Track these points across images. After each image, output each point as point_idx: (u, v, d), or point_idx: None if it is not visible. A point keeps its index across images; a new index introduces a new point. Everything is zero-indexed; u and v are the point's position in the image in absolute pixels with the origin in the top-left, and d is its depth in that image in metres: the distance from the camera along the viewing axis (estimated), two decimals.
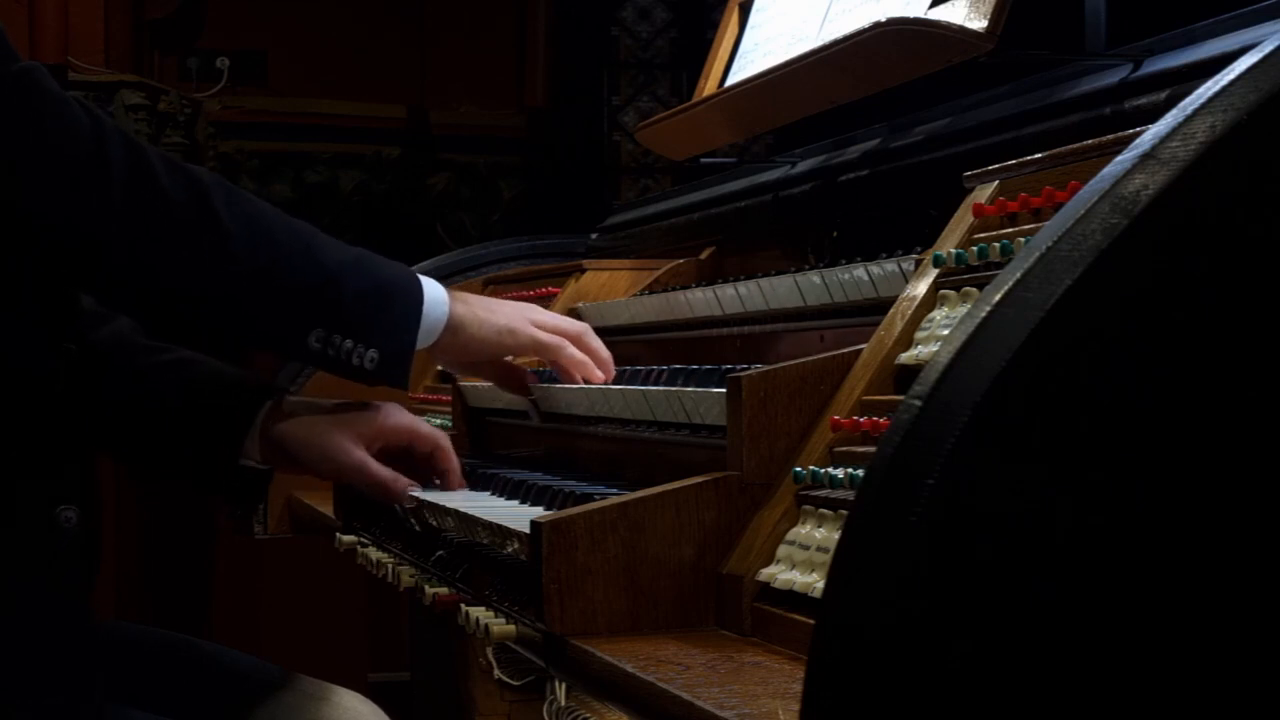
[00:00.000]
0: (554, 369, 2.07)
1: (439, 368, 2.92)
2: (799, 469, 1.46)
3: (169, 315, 1.83)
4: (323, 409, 1.95)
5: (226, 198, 1.75)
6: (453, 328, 1.92)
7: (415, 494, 1.93)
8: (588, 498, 1.63)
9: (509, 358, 2.09)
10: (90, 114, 1.69)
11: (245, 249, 1.74)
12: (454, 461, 2.02)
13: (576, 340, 2.06)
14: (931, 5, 2.03)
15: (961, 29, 1.92)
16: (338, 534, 2.37)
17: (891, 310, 1.57)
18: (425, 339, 1.89)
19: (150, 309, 1.83)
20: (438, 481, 2.01)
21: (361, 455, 1.92)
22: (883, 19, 2.07)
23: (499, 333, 1.98)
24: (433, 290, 1.90)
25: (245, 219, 1.76)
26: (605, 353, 2.09)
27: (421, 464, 2.04)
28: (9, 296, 1.72)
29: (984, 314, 0.88)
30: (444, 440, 2.01)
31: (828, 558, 1.35)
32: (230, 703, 1.96)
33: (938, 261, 1.55)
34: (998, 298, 0.88)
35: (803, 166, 2.61)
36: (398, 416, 1.97)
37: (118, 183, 1.67)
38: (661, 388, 1.87)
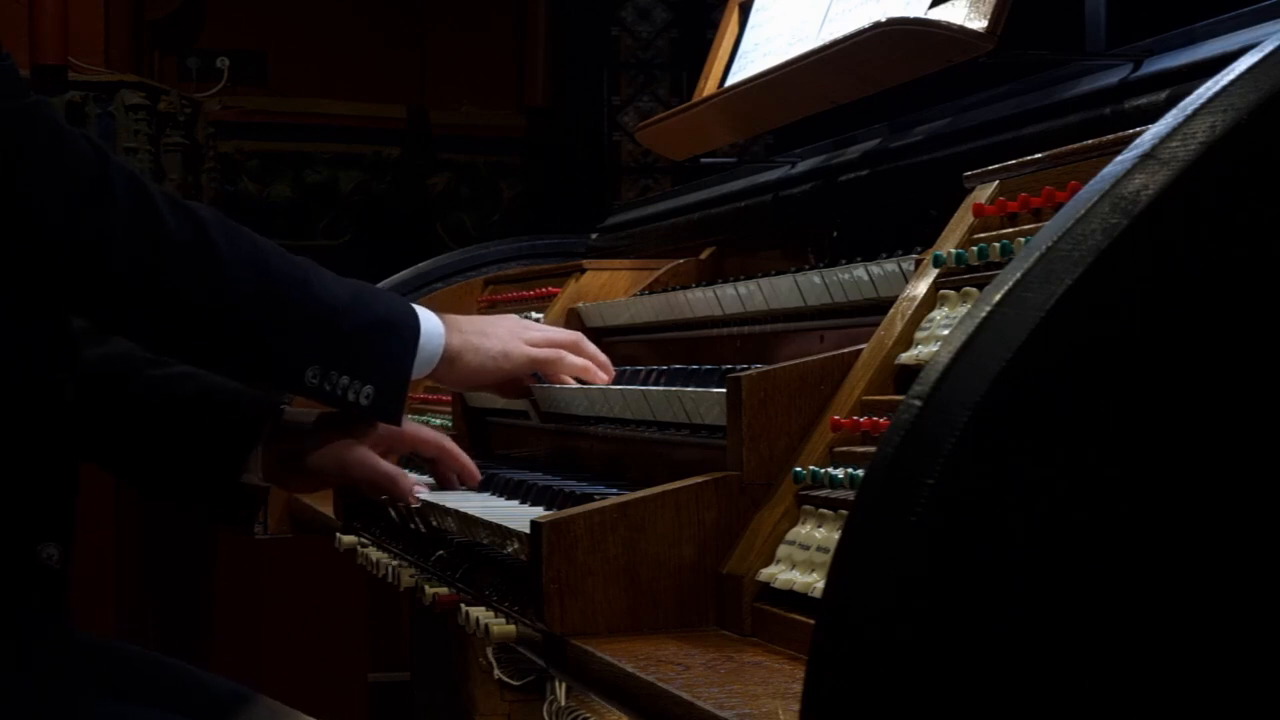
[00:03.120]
0: (553, 380, 2.08)
1: None
2: (799, 469, 1.46)
3: (165, 346, 1.84)
4: (324, 420, 1.96)
5: (226, 233, 1.76)
6: (449, 359, 1.93)
7: (421, 495, 1.93)
8: (588, 498, 1.63)
9: None
10: (96, 148, 1.70)
11: (243, 283, 1.75)
12: (462, 459, 2.02)
13: (572, 348, 2.07)
14: (931, 5, 2.03)
15: (961, 29, 1.92)
16: (338, 534, 2.37)
17: (891, 310, 1.57)
18: (420, 371, 1.91)
19: (147, 338, 1.84)
20: (457, 481, 2.03)
21: (366, 451, 1.93)
22: (883, 19, 2.07)
23: (494, 359, 1.99)
24: (429, 323, 1.91)
25: (244, 254, 1.77)
26: (602, 356, 2.10)
27: (428, 468, 2.05)
28: (4, 315, 1.73)
29: (984, 314, 0.88)
30: (446, 441, 2.02)
31: (828, 558, 1.35)
32: None
33: (938, 261, 1.55)
34: (998, 298, 0.88)
35: (803, 166, 2.61)
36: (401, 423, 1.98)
37: (121, 212, 1.68)
38: (661, 388, 1.87)
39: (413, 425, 2.01)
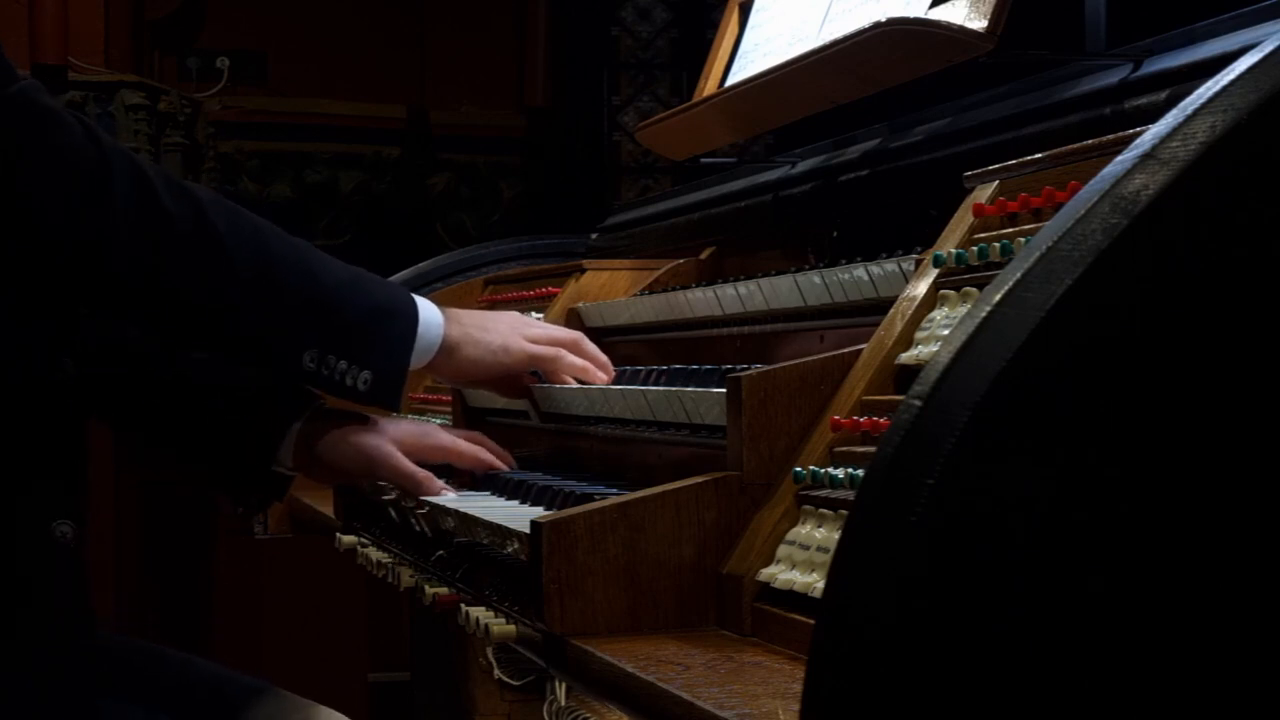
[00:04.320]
0: (552, 379, 2.08)
1: None
2: (799, 469, 1.46)
3: (165, 327, 1.84)
4: (359, 419, 1.96)
5: (225, 214, 1.76)
6: (447, 349, 1.93)
7: (428, 499, 1.93)
8: (588, 498, 1.63)
9: None
10: (88, 130, 1.70)
11: (242, 264, 1.75)
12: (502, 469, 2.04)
13: (572, 347, 2.07)
14: (931, 5, 2.03)
15: (961, 29, 1.92)
16: (338, 534, 2.37)
17: (891, 310, 1.57)
18: (419, 360, 1.90)
19: (148, 320, 1.84)
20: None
21: (392, 449, 1.93)
22: (883, 19, 2.07)
23: (494, 352, 1.98)
24: (428, 312, 1.91)
25: (243, 235, 1.77)
26: (602, 357, 2.10)
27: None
28: (4, 315, 1.73)
29: (984, 314, 0.88)
30: (484, 455, 2.01)
31: (828, 558, 1.35)
32: (211, 715, 1.95)
33: (938, 261, 1.55)
34: (998, 298, 0.88)
35: (803, 166, 2.61)
36: (436, 436, 1.98)
37: (117, 195, 1.68)
38: (661, 388, 1.87)
39: (451, 439, 2.00)
